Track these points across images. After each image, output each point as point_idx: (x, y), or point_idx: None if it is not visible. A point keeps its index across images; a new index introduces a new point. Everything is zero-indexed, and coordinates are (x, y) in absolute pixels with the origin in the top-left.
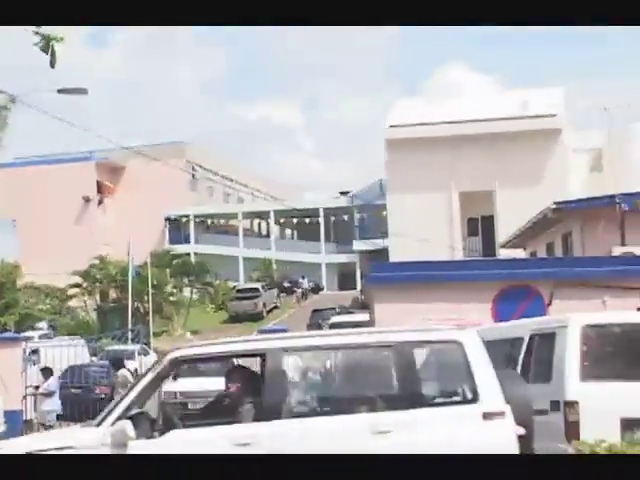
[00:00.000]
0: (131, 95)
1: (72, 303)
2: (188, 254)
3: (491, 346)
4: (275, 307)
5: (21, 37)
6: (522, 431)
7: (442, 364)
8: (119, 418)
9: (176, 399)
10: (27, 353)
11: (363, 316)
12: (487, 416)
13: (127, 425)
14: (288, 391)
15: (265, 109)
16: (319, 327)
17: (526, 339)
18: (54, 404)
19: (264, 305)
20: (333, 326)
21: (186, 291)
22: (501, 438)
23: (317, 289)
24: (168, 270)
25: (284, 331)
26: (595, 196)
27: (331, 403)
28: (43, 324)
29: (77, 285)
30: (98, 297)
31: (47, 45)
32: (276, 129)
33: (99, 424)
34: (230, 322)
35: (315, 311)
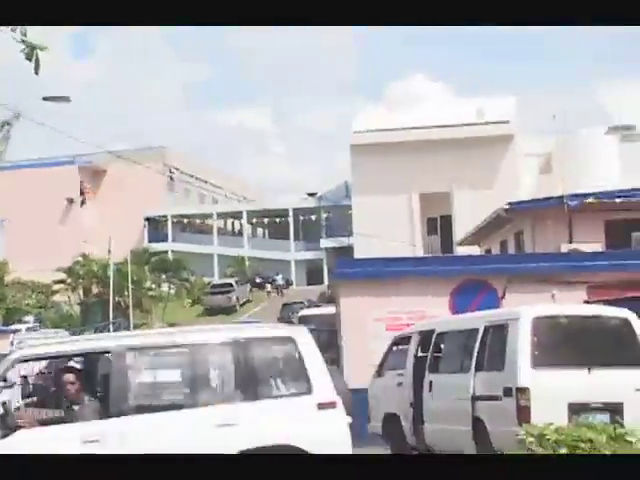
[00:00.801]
0: (112, 103)
1: (57, 298)
2: (166, 252)
3: (449, 337)
4: (248, 301)
5: (6, 41)
6: (349, 419)
7: (279, 359)
8: None
9: None
10: (14, 344)
11: (330, 309)
12: (321, 406)
13: None
14: (134, 388)
15: (238, 116)
16: (289, 320)
17: (481, 330)
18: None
19: (237, 299)
20: (301, 319)
21: (164, 286)
22: (335, 426)
23: (287, 284)
24: (147, 267)
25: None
26: (544, 197)
27: (177, 398)
28: (29, 318)
29: (61, 281)
30: (81, 292)
31: (32, 53)
32: (248, 135)
33: None
34: (205, 315)
35: (285, 305)
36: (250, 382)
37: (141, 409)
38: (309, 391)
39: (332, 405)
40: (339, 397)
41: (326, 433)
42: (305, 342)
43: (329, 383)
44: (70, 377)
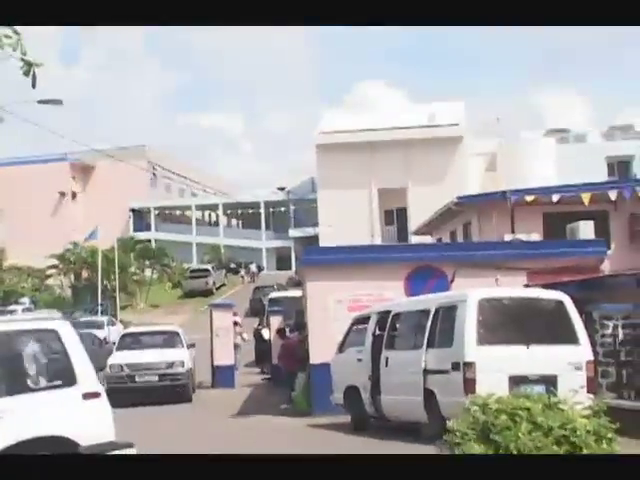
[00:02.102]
0: (100, 105)
1: (50, 282)
2: (149, 240)
3: (403, 317)
4: (223, 285)
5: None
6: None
7: (43, 352)
8: None
9: (123, 372)
10: None
11: (297, 292)
12: (86, 397)
13: None
14: None
15: (211, 118)
16: (260, 302)
17: (432, 311)
18: None
19: (214, 283)
20: (271, 301)
21: (147, 271)
22: (99, 416)
23: (259, 270)
24: (132, 254)
25: (230, 305)
26: (489, 192)
27: None
28: (25, 299)
29: (54, 266)
30: (72, 276)
31: (29, 69)
32: (221, 135)
33: None
34: (184, 298)
35: (256, 288)
36: (15, 375)
37: None
38: (73, 382)
39: (96, 395)
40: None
41: (91, 423)
42: (68, 334)
43: (93, 374)
44: None
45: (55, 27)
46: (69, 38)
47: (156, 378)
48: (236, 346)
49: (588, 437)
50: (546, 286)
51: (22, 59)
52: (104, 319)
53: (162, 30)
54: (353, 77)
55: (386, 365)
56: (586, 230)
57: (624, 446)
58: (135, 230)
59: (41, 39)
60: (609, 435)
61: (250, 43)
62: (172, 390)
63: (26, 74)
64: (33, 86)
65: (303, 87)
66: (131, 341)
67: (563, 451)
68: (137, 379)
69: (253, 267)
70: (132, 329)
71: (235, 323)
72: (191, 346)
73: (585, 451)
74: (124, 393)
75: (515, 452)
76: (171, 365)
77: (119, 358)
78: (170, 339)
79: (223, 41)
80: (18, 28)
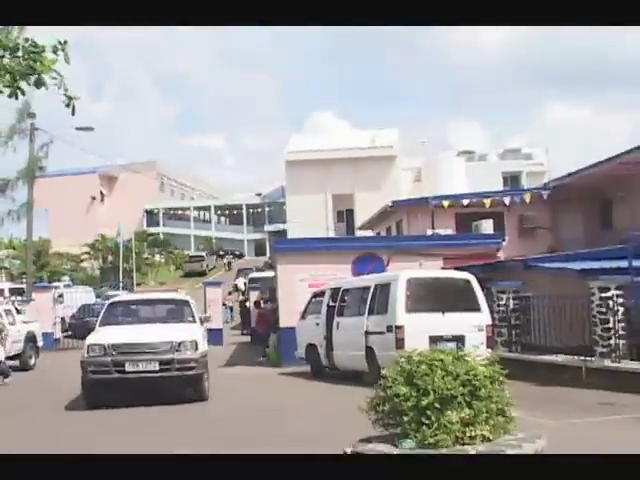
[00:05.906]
0: (121, 129)
1: (84, 264)
2: (158, 233)
3: (351, 292)
4: (214, 267)
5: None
6: None
7: None
8: None
9: (106, 355)
10: (55, 296)
11: (270, 273)
12: None
13: None
14: None
15: (206, 139)
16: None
17: (372, 287)
18: None
19: (207, 266)
20: (251, 280)
21: (157, 257)
22: None
23: (241, 256)
24: (145, 243)
25: (219, 284)
26: (416, 197)
27: None
28: (66, 278)
29: (87, 253)
30: (101, 260)
31: (69, 102)
32: (213, 152)
33: None
34: (184, 277)
35: (239, 270)
36: None
37: None
38: None
39: None
40: None
41: None
42: None
43: None
44: None
45: (83, 71)
46: (93, 76)
47: (156, 366)
48: (231, 308)
49: (485, 380)
50: (457, 268)
51: (65, 94)
52: (124, 293)
53: (164, 68)
54: (310, 107)
55: (337, 328)
56: (487, 226)
57: (511, 387)
58: (147, 225)
59: (71, 79)
60: (501, 379)
61: (232, 81)
62: (180, 383)
63: (67, 106)
64: (73, 114)
65: (273, 114)
66: (122, 312)
67: (467, 391)
68: (127, 367)
69: (229, 257)
70: (125, 297)
71: (229, 293)
72: (206, 320)
73: (483, 391)
74: (108, 387)
75: (431, 392)
76: (178, 347)
77: (102, 336)
78: (177, 310)
79: (216, 77)
80: (60, 69)
